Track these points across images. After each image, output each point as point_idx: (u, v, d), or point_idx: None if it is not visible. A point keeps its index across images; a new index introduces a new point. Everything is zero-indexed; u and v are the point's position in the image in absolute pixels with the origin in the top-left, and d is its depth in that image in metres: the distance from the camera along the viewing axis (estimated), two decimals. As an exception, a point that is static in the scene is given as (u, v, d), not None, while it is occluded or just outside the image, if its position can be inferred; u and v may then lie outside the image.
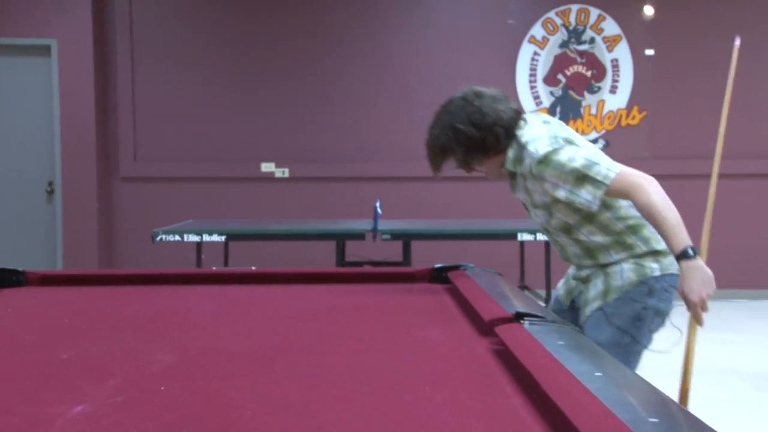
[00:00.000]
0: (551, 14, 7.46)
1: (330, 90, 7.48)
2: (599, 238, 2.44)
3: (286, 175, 7.50)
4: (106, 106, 7.45)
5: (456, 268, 2.69)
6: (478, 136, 2.41)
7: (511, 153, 2.44)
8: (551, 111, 7.51)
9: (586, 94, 7.48)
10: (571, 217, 2.44)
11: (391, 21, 7.47)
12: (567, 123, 7.88)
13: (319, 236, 5.47)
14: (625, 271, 2.42)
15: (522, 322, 1.75)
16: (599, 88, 7.47)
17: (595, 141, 7.43)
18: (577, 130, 7.42)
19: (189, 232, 5.23)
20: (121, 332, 1.92)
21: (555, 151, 2.35)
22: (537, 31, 7.47)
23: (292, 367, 1.57)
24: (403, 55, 7.47)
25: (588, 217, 2.42)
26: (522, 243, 6.31)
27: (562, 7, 7.46)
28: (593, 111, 7.48)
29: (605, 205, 2.39)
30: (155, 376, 1.50)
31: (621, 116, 7.45)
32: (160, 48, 7.46)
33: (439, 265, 2.70)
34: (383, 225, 5.48)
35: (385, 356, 1.67)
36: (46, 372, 1.54)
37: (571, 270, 2.64)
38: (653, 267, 2.42)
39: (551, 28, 7.47)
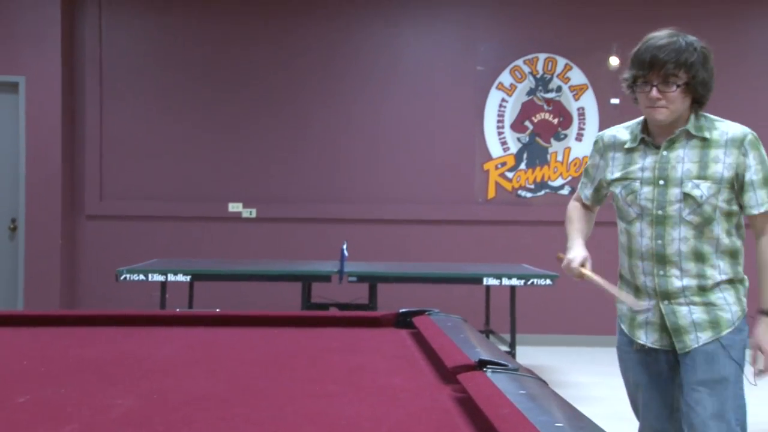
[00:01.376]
0: (519, 62, 7.58)
1: (299, 132, 7.51)
2: (726, 241, 2.60)
3: (254, 215, 7.49)
4: (73, 143, 7.41)
5: (421, 313, 2.69)
6: (711, 78, 2.57)
7: (693, 119, 2.60)
8: (518, 157, 7.60)
9: (552, 141, 7.59)
10: (720, 207, 2.58)
11: (360, 64, 7.54)
12: (534, 169, 8.05)
13: (285, 277, 5.45)
14: (731, 304, 2.60)
15: (485, 370, 1.75)
16: (565, 136, 7.58)
17: (560, 187, 7.52)
18: (543, 177, 7.51)
19: (153, 271, 5.19)
20: (80, 375, 1.90)
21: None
22: (505, 78, 7.59)
23: (254, 412, 1.56)
24: (372, 99, 7.53)
25: (730, 215, 2.60)
26: (488, 287, 6.34)
27: (530, 56, 7.59)
28: (559, 158, 7.57)
29: (738, 218, 2.63)
30: (114, 422, 1.47)
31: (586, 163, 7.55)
32: (129, 86, 7.46)
33: (404, 310, 2.70)
34: (350, 267, 5.48)
35: (347, 402, 1.66)
36: (1, 416, 1.51)
37: (647, 280, 2.67)
38: (744, 300, 2.65)
39: (519, 76, 7.59)
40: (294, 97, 7.52)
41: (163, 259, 6.54)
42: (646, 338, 2.69)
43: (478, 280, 5.37)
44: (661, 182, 2.59)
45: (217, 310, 2.88)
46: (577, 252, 2.72)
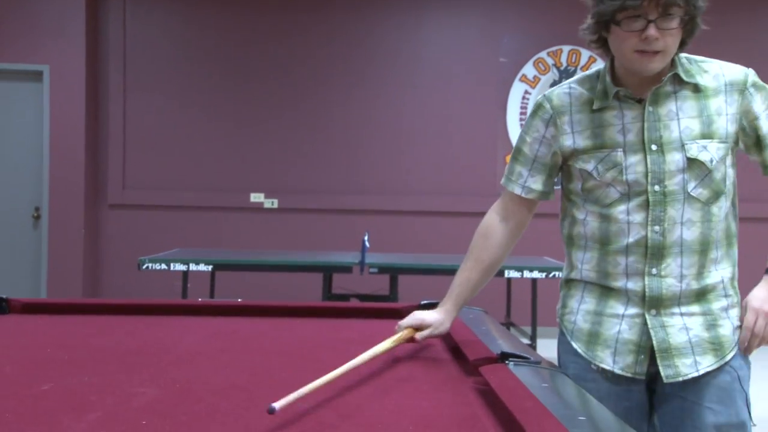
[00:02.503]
0: (543, 54, 7.53)
1: (321, 123, 7.51)
2: (731, 225, 2.03)
3: (276, 205, 7.50)
4: (97, 133, 7.45)
5: (442, 305, 2.68)
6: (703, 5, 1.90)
7: (678, 62, 1.97)
8: (540, 149, 7.56)
9: (575, 133, 7.53)
10: (729, 175, 1.99)
11: (382, 56, 7.53)
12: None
13: (307, 268, 5.46)
14: (733, 317, 1.99)
15: (507, 362, 1.74)
16: (588, 128, 7.52)
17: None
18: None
19: (175, 261, 5.21)
20: (103, 363, 1.91)
21: None
22: (528, 70, 7.54)
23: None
24: (394, 90, 7.51)
25: (734, 186, 2.03)
26: (509, 280, 6.32)
27: (554, 48, 7.53)
28: (582, 150, 7.52)
29: (735, 189, 2.04)
30: (137, 410, 1.48)
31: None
32: (153, 77, 7.49)
33: (425, 302, 2.70)
34: (371, 258, 5.48)
35: (369, 394, 1.66)
36: (25, 404, 1.52)
37: (630, 282, 1.98)
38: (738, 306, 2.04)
39: (542, 68, 7.54)
40: (316, 89, 7.51)
41: (185, 249, 6.56)
42: (613, 362, 1.99)
43: (499, 273, 5.34)
44: (654, 147, 1.93)
45: (239, 300, 2.89)
46: (428, 316, 2.08)
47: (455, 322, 2.24)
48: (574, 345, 2.05)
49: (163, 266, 5.17)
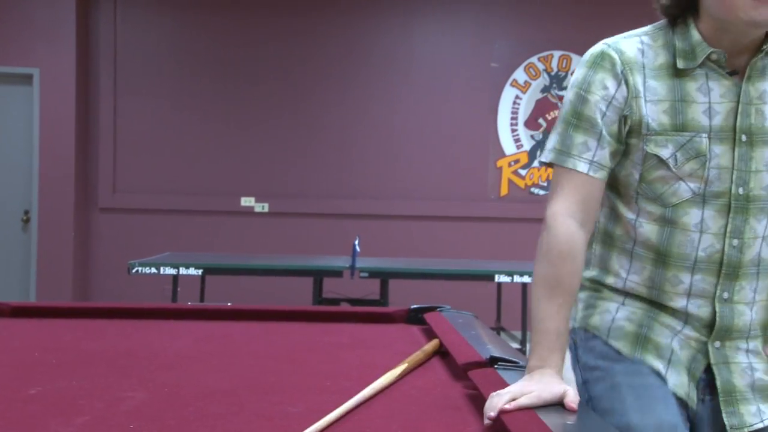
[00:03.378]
0: (534, 59, 7.56)
1: (312, 127, 7.51)
2: None
3: (266, 209, 7.49)
4: (87, 136, 7.44)
5: (432, 309, 2.69)
6: None
7: None
8: (532, 154, 7.57)
9: (565, 138, 7.55)
10: None
11: (375, 60, 7.53)
12: (547, 167, 7.94)
13: (297, 272, 5.45)
14: None
15: (496, 367, 1.75)
16: (579, 133, 7.54)
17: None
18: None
19: (165, 264, 5.20)
20: (92, 367, 1.90)
21: None
22: (519, 75, 7.56)
23: (265, 407, 1.56)
24: (386, 95, 7.52)
25: None
26: (499, 284, 6.33)
27: (545, 53, 7.56)
28: (573, 155, 7.54)
29: None
30: (125, 414, 1.48)
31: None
32: (143, 80, 7.48)
33: (415, 306, 2.70)
34: (361, 262, 5.48)
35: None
36: (13, 408, 1.51)
37: (694, 305, 1.59)
38: None
39: (533, 73, 7.56)
40: (308, 93, 7.51)
41: (175, 253, 6.55)
42: (666, 373, 1.60)
43: (489, 277, 5.36)
44: (743, 137, 1.53)
45: (229, 304, 2.89)
46: (544, 384, 1.44)
47: (445, 326, 2.25)
48: (614, 344, 1.63)
49: (153, 270, 5.16)
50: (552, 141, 1.60)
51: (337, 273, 5.33)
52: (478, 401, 1.57)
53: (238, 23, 7.49)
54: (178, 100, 7.48)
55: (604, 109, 1.55)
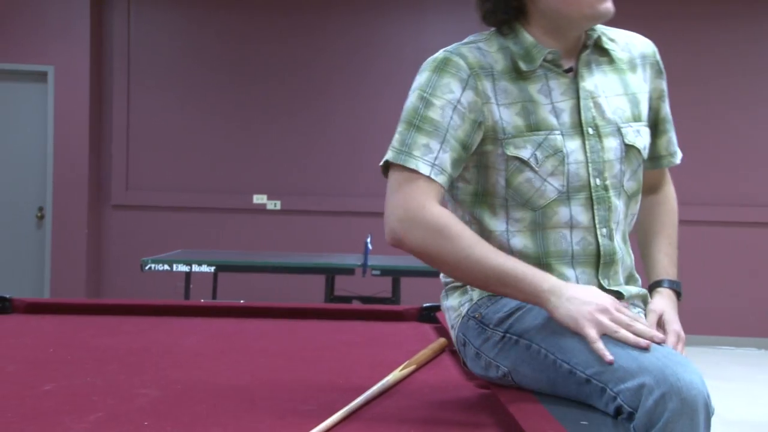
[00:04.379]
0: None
1: (324, 125, 7.51)
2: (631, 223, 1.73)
3: (278, 207, 7.50)
4: (101, 133, 7.46)
5: (444, 307, 2.68)
6: None
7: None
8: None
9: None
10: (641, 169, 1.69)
11: (385, 58, 7.53)
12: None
13: (309, 270, 5.46)
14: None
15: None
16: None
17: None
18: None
19: (178, 261, 5.22)
20: (105, 364, 1.91)
21: None
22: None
23: (278, 404, 1.56)
24: (396, 92, 7.49)
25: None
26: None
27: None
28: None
29: None
30: (139, 412, 1.48)
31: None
32: (156, 78, 7.50)
33: (427, 305, 2.70)
34: (373, 260, 5.48)
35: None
36: (28, 404, 1.52)
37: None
38: None
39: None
40: (320, 90, 7.51)
41: (187, 250, 6.57)
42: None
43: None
44: (590, 130, 1.59)
45: (241, 301, 2.90)
46: (604, 299, 1.46)
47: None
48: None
49: (166, 267, 5.18)
50: (393, 142, 1.59)
51: (349, 271, 5.33)
52: (490, 400, 1.57)
53: (249, 20, 7.50)
54: (191, 97, 7.49)
55: (449, 113, 1.54)
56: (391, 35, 7.55)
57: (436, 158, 1.53)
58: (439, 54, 1.62)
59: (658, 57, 1.73)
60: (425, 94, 1.57)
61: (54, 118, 7.19)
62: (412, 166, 1.53)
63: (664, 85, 1.73)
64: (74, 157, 7.20)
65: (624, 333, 1.39)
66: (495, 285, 1.49)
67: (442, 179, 1.54)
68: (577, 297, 1.43)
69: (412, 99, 1.60)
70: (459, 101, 1.55)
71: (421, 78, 1.61)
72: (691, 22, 7.29)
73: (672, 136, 1.77)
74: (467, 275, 1.53)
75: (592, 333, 1.39)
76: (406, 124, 1.58)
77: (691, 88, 7.12)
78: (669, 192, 1.83)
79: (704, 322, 7.06)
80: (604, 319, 1.40)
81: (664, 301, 1.63)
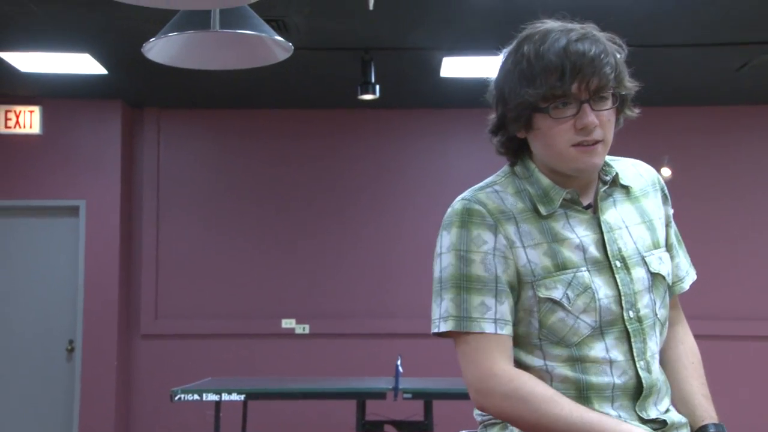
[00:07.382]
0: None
1: (349, 247, 7.56)
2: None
3: (307, 331, 7.47)
4: (130, 263, 7.53)
5: (480, 434, 2.62)
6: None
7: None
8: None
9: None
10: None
11: (409, 179, 7.63)
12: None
13: (339, 395, 5.39)
14: None
15: None
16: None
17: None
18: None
19: (208, 391, 5.17)
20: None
21: None
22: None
23: None
24: (420, 212, 7.57)
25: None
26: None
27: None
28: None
29: None
30: None
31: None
32: (184, 205, 7.62)
33: None
34: (404, 383, 5.40)
35: None
36: None
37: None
38: None
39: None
40: (344, 213, 7.59)
41: (216, 378, 6.51)
42: None
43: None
44: (618, 263, 1.59)
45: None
46: None
47: None
48: None
49: (196, 397, 5.13)
50: (442, 309, 1.59)
51: (380, 395, 5.25)
52: None
53: (275, 147, 7.66)
54: (218, 223, 7.59)
55: (491, 263, 1.55)
56: (412, 158, 7.67)
57: (495, 313, 1.55)
58: (457, 205, 1.64)
59: (661, 181, 1.75)
60: (462, 253, 1.58)
61: (85, 250, 7.26)
62: (477, 330, 1.55)
63: (670, 210, 1.74)
64: (105, 289, 7.25)
65: None
66: None
67: (507, 330, 1.55)
68: None
69: (449, 260, 1.59)
70: (495, 248, 1.57)
71: (450, 236, 1.61)
72: (706, 135, 7.36)
73: (680, 261, 1.75)
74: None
75: None
76: (455, 289, 1.57)
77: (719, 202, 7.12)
78: (686, 329, 1.79)
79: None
80: None
81: None
